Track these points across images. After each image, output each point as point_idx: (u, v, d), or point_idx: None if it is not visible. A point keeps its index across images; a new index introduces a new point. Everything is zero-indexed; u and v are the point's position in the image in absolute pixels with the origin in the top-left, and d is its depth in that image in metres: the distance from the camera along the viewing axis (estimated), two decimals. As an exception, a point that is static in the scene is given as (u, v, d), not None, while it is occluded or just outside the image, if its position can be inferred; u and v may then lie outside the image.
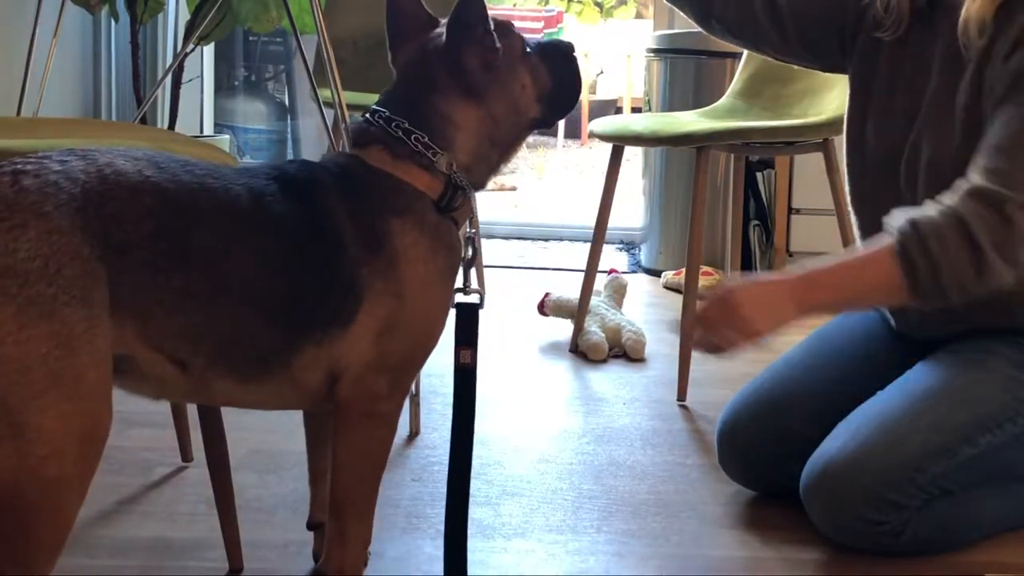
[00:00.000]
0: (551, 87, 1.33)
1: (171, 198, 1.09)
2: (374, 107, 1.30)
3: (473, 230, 1.36)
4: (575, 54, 1.37)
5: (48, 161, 1.05)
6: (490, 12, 1.27)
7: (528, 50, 1.33)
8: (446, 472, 1.84)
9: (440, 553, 1.53)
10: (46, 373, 0.98)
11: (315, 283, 1.16)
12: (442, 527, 1.62)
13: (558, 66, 1.35)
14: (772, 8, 1.79)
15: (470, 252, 1.33)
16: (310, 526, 1.44)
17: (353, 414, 1.21)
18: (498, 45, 1.28)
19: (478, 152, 1.29)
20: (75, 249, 1.01)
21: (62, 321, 0.99)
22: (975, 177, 1.44)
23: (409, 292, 1.21)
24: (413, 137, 1.25)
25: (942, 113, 1.57)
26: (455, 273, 1.29)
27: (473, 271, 1.34)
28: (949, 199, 1.44)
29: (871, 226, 1.67)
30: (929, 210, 1.44)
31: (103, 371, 1.03)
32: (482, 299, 1.35)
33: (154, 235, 1.07)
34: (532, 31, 7.38)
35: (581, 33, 8.70)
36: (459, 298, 1.33)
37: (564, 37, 7.89)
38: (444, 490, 1.75)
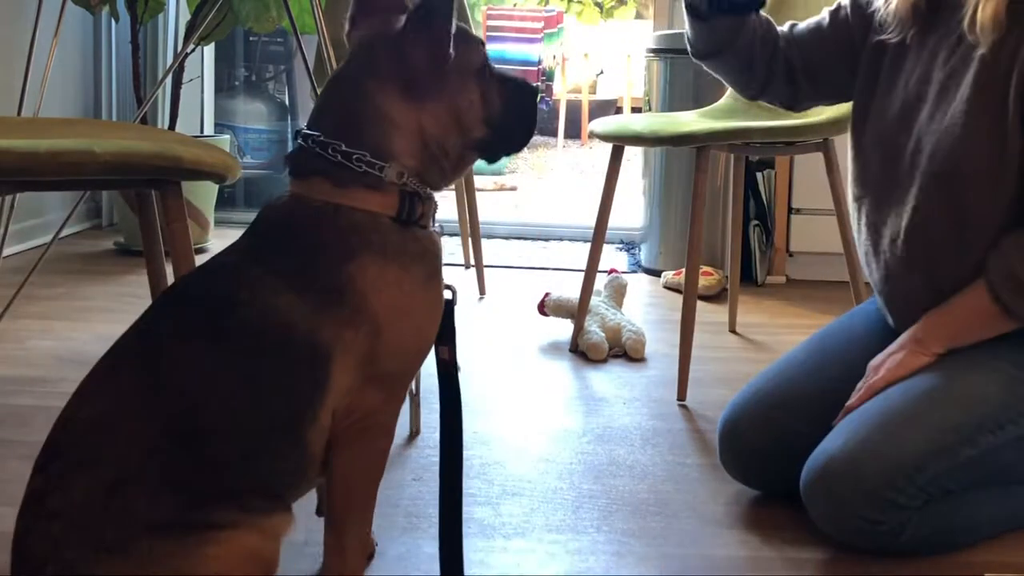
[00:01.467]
0: (501, 113, 1.27)
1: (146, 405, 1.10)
2: (307, 129, 1.24)
3: (440, 225, 1.31)
4: (537, 96, 1.34)
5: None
6: (458, 22, 1.22)
7: (488, 69, 1.27)
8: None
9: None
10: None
11: (284, 388, 1.14)
12: (442, 527, 1.63)
13: (515, 97, 1.30)
14: (792, 74, 1.87)
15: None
16: (319, 512, 1.44)
17: (350, 430, 1.19)
18: (451, 50, 1.21)
19: (424, 155, 1.24)
20: None
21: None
22: None
23: (387, 322, 1.18)
24: (354, 158, 1.20)
25: (943, 110, 1.58)
26: (437, 273, 1.26)
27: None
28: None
29: (869, 222, 1.70)
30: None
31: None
32: (454, 294, 1.32)
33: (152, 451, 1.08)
34: (532, 31, 7.38)
35: (581, 33, 8.71)
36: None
37: (564, 38, 7.92)
38: (444, 490, 1.77)
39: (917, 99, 1.63)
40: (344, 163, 1.20)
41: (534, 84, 1.34)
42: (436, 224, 1.30)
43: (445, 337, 1.33)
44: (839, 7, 1.83)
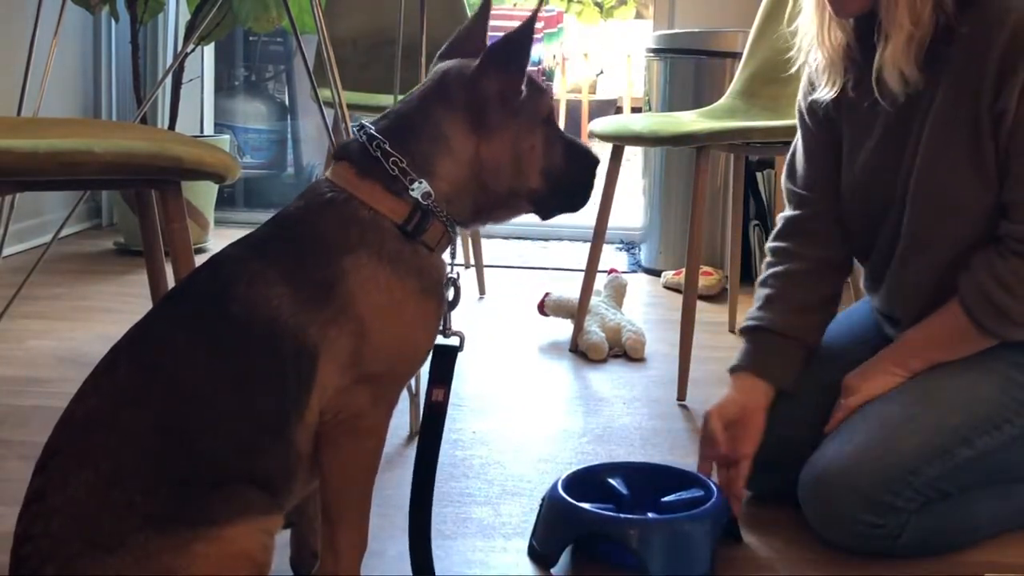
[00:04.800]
0: (561, 170, 1.29)
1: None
2: (367, 122, 1.26)
3: (457, 273, 1.30)
4: (598, 165, 1.35)
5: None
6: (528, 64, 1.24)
7: (554, 125, 1.30)
8: (446, 470, 1.85)
9: (439, 553, 1.53)
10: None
11: (271, 384, 1.14)
12: (442, 526, 1.63)
13: (577, 159, 1.31)
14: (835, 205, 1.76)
15: (451, 294, 1.29)
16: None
17: (337, 431, 1.19)
18: (523, 88, 1.24)
19: (463, 186, 1.24)
20: None
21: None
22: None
23: (372, 324, 1.17)
24: (391, 160, 1.21)
25: (912, 156, 1.58)
26: (433, 292, 1.24)
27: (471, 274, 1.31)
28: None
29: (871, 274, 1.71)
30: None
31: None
32: (462, 342, 1.32)
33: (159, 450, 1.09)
34: (532, 31, 7.35)
35: (581, 33, 8.70)
36: (439, 340, 1.30)
37: (565, 37, 7.86)
38: (444, 489, 1.77)
39: (885, 156, 1.62)
40: (380, 159, 1.21)
41: (596, 155, 1.34)
42: (452, 272, 1.29)
43: (441, 379, 1.31)
44: (804, 126, 1.77)
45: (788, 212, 1.80)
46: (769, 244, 1.81)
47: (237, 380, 1.13)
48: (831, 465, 1.54)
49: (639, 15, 9.02)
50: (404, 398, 1.99)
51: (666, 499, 1.59)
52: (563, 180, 1.30)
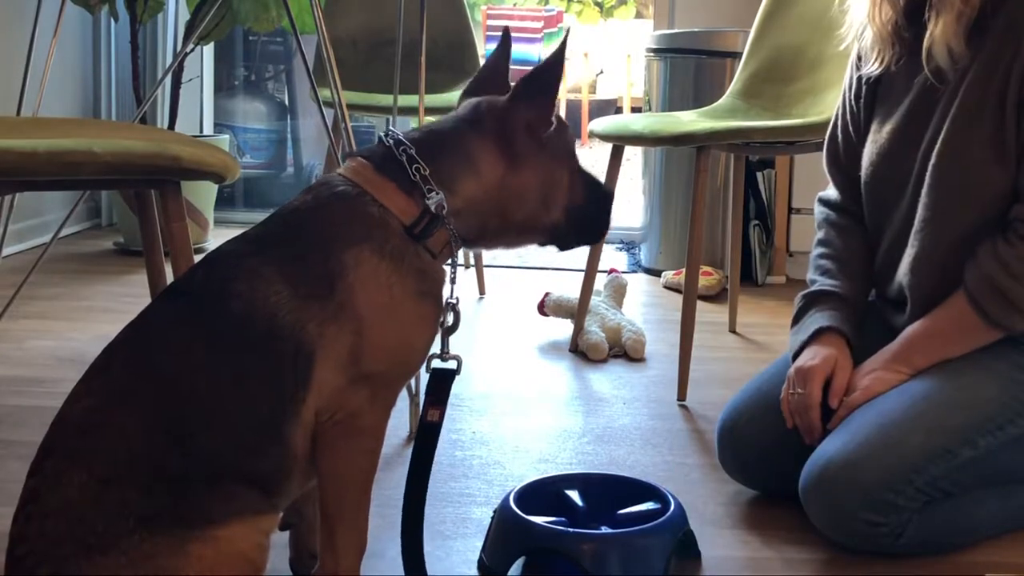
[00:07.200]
0: (581, 205, 1.31)
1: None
2: (395, 131, 1.27)
3: (456, 298, 1.29)
4: (612, 200, 1.37)
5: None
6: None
7: (577, 159, 1.31)
8: (446, 470, 1.85)
9: (439, 553, 1.53)
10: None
11: (267, 383, 1.14)
12: (442, 526, 1.63)
13: (596, 195, 1.34)
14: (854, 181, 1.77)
15: (450, 318, 1.29)
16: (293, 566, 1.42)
17: (335, 432, 1.19)
18: (552, 120, 1.26)
19: (477, 208, 1.25)
20: None
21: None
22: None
23: (370, 321, 1.17)
24: (415, 167, 1.21)
25: (937, 135, 1.59)
26: (432, 294, 1.24)
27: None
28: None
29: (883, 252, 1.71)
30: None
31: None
32: (459, 366, 1.32)
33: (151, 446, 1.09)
34: (532, 31, 7.37)
35: (581, 33, 8.71)
36: (436, 363, 1.30)
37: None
38: (444, 490, 1.77)
39: (911, 128, 1.63)
40: (404, 164, 1.22)
41: (610, 189, 1.35)
42: (452, 297, 1.29)
43: (437, 400, 1.31)
44: (845, 105, 1.77)
45: (833, 193, 1.83)
46: (822, 214, 1.82)
47: (233, 378, 1.13)
48: (833, 463, 1.54)
49: (639, 15, 9.03)
50: (403, 398, 1.99)
51: (622, 512, 1.55)
52: (584, 215, 1.32)
